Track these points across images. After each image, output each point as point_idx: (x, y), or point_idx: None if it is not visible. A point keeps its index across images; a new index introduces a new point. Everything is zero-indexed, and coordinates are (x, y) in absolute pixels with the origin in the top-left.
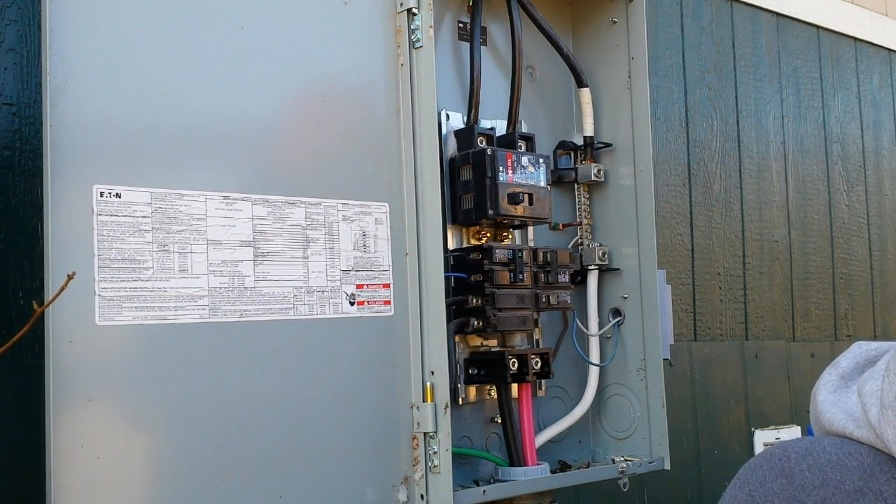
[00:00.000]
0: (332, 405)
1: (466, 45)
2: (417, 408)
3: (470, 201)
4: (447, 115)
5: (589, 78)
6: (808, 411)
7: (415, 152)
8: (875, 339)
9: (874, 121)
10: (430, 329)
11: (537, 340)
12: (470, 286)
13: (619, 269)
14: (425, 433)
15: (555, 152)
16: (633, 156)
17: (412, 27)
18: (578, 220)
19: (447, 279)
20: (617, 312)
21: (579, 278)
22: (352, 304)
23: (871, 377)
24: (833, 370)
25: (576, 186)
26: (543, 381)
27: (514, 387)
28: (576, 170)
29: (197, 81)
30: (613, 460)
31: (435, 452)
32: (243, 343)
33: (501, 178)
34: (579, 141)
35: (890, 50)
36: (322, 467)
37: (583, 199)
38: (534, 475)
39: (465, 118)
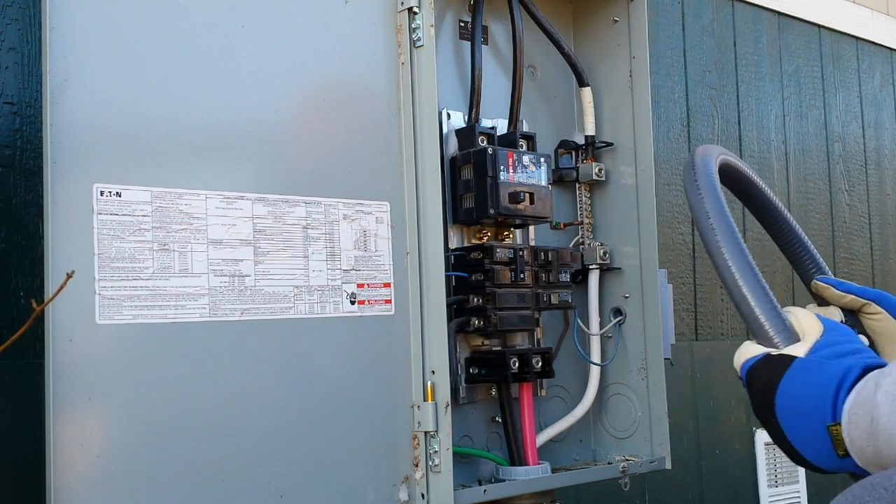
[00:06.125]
0: (333, 404)
1: (467, 43)
2: (418, 407)
3: (471, 200)
4: (448, 114)
5: (590, 77)
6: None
7: (416, 151)
8: None
9: (875, 120)
10: (431, 328)
11: (538, 340)
12: (471, 285)
13: (620, 269)
14: (426, 432)
15: (556, 151)
16: (634, 155)
17: (413, 26)
18: (579, 219)
19: (448, 278)
20: (618, 312)
21: (580, 277)
22: (352, 302)
23: None
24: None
25: (577, 186)
26: (544, 381)
27: (515, 386)
28: (577, 169)
29: (197, 80)
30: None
31: (436, 451)
32: (244, 342)
33: (502, 178)
34: (580, 140)
35: (891, 49)
36: (322, 466)
37: (584, 198)
38: (535, 475)
39: (466, 117)
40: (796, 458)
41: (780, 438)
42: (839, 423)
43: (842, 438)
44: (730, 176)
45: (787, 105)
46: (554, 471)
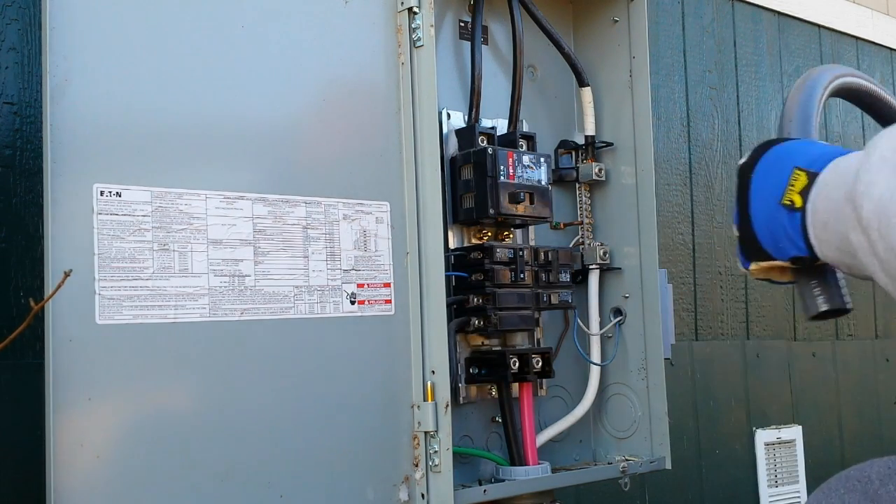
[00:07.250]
0: (333, 404)
1: (467, 44)
2: (418, 407)
3: (471, 200)
4: (448, 114)
5: (590, 77)
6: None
7: (416, 151)
8: (876, 338)
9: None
10: (431, 328)
11: (538, 340)
12: (471, 285)
13: (620, 269)
14: (426, 432)
15: (556, 151)
16: (634, 155)
17: (413, 26)
18: (579, 219)
19: (448, 278)
20: (618, 312)
21: (580, 277)
22: (352, 303)
23: None
24: None
25: (577, 185)
26: (544, 381)
27: (515, 386)
28: (577, 169)
29: (197, 80)
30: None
31: (436, 452)
32: (243, 342)
33: (502, 178)
34: (580, 140)
35: (891, 49)
36: (322, 466)
37: (584, 198)
38: (535, 474)
39: (466, 117)
40: (748, 235)
41: (744, 219)
42: (805, 170)
43: (797, 184)
44: (853, 94)
45: None
46: (554, 471)
